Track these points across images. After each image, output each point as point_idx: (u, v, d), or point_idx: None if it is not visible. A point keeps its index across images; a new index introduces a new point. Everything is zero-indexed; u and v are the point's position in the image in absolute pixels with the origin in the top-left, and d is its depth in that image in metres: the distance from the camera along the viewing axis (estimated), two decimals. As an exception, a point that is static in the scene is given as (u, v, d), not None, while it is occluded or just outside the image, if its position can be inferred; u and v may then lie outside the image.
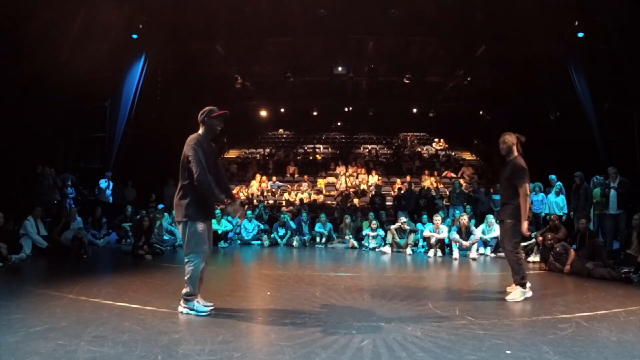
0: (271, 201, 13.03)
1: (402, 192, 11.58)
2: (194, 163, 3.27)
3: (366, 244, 8.78)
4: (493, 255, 7.84)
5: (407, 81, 13.34)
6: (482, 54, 11.63)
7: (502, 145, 4.45)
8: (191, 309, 3.38)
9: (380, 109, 17.46)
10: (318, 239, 9.31)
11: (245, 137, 19.11)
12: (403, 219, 8.42)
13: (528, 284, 4.15)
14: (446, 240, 7.94)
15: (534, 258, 7.06)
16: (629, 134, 9.19)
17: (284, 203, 12.46)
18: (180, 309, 3.42)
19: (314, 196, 13.01)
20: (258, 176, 14.38)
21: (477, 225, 8.16)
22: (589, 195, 7.92)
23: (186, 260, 3.41)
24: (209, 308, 3.46)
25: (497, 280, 5.83)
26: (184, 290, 3.41)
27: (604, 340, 2.89)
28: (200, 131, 3.54)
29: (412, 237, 8.26)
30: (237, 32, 10.65)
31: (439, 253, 7.80)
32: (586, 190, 7.95)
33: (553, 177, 8.93)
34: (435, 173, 14.85)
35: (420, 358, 2.54)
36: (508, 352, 2.63)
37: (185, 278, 3.40)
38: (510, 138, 4.42)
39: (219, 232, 8.72)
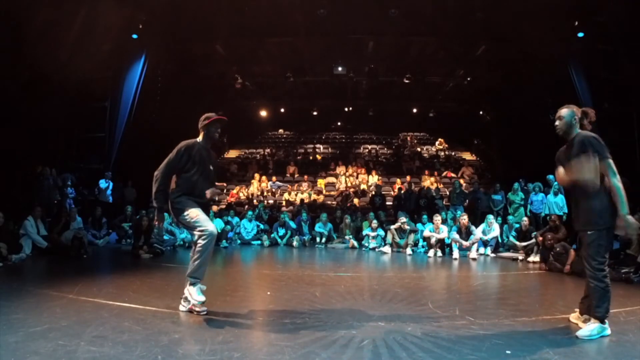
0: (271, 201, 13.03)
1: (402, 192, 11.59)
2: (164, 162, 3.42)
3: (366, 244, 8.78)
4: (493, 255, 7.85)
5: (407, 81, 13.36)
6: (482, 54, 11.64)
7: (559, 122, 3.17)
8: (190, 294, 3.34)
9: (380, 109, 17.48)
10: (318, 239, 9.31)
11: (245, 137, 19.13)
12: (403, 219, 8.42)
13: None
14: (446, 240, 7.94)
15: (534, 258, 7.06)
16: (629, 134, 9.20)
17: (284, 203, 12.47)
18: (181, 307, 3.41)
19: (314, 196, 13.01)
20: (257, 176, 14.38)
21: (476, 226, 8.16)
22: None
23: (197, 241, 3.38)
24: (204, 308, 3.41)
25: (497, 280, 5.83)
26: (189, 270, 3.38)
27: (604, 340, 2.88)
28: (199, 137, 3.61)
29: (412, 237, 8.27)
30: (237, 32, 10.66)
31: (439, 253, 7.80)
32: None
33: (551, 177, 8.94)
34: (435, 173, 14.86)
35: (420, 358, 2.54)
36: (508, 352, 2.63)
37: (193, 259, 3.37)
38: (568, 111, 3.15)
39: (218, 230, 8.72)
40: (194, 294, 3.34)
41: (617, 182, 2.89)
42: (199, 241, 3.38)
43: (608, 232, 2.95)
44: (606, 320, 2.96)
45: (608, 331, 2.96)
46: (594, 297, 2.95)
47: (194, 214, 3.39)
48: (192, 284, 3.38)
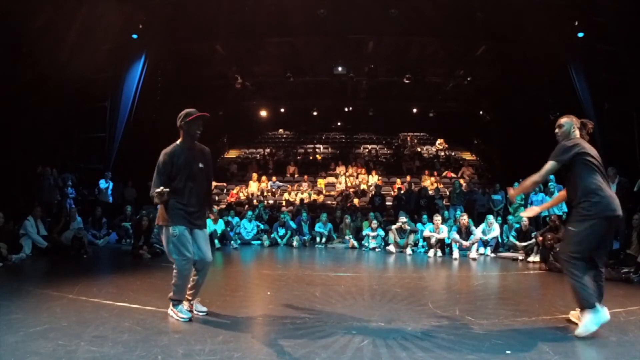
0: (271, 201, 13.02)
1: (402, 192, 11.59)
2: (154, 176, 3.24)
3: (366, 244, 8.78)
4: (493, 255, 7.84)
5: (407, 81, 13.36)
6: (482, 54, 11.63)
7: (557, 130, 3.34)
8: (175, 313, 3.27)
9: (380, 109, 17.48)
10: (318, 239, 9.31)
11: (245, 137, 19.13)
12: (404, 219, 8.42)
13: (599, 305, 2.95)
14: (446, 240, 7.94)
15: (534, 258, 7.06)
16: (629, 134, 9.19)
17: (284, 203, 12.47)
18: (169, 310, 3.33)
19: (314, 196, 13.01)
20: (256, 175, 14.37)
21: (476, 226, 8.16)
22: None
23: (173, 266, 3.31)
24: (202, 313, 3.37)
25: (497, 280, 5.83)
26: (169, 294, 3.32)
27: (604, 340, 2.88)
28: (179, 139, 3.37)
29: (412, 237, 8.27)
30: (237, 32, 10.66)
31: (439, 253, 7.80)
32: None
33: (551, 177, 8.94)
34: (435, 173, 14.86)
35: (420, 358, 2.54)
36: (508, 352, 2.63)
37: (172, 282, 3.30)
38: (567, 120, 3.31)
39: (218, 231, 8.73)
40: (179, 314, 3.24)
41: (534, 175, 3.22)
42: (174, 265, 3.27)
43: (584, 229, 3.03)
44: (596, 305, 2.93)
45: (603, 314, 2.93)
46: (573, 292, 3.05)
47: (172, 239, 3.21)
48: (174, 305, 3.29)
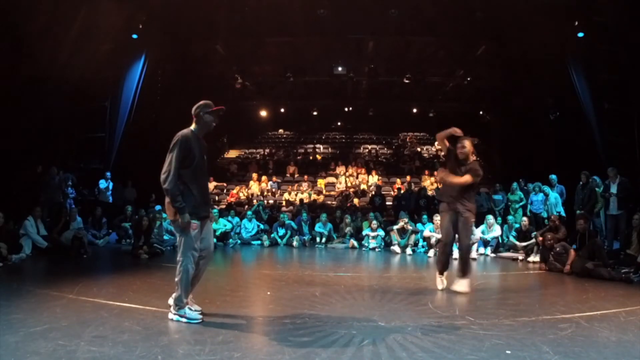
0: (271, 201, 13.02)
1: (402, 192, 11.58)
2: (168, 162, 3.14)
3: (366, 244, 8.78)
4: (493, 255, 7.84)
5: (407, 81, 13.36)
6: (482, 54, 11.63)
7: (466, 150, 4.82)
8: (182, 316, 3.17)
9: (380, 109, 17.48)
10: (318, 239, 9.31)
11: (245, 137, 19.13)
12: (405, 219, 8.42)
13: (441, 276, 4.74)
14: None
15: (534, 258, 7.06)
16: (629, 134, 9.19)
17: (284, 203, 12.47)
18: (171, 315, 3.23)
19: (314, 196, 13.01)
20: (256, 175, 14.36)
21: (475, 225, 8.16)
22: (592, 194, 7.92)
23: (178, 259, 3.26)
24: (200, 315, 3.28)
25: (497, 280, 5.83)
26: (174, 295, 3.22)
27: (604, 340, 2.89)
28: (193, 126, 3.32)
29: (412, 237, 8.27)
30: (237, 32, 10.66)
31: (439, 253, 7.79)
32: (590, 190, 7.95)
33: (553, 177, 8.98)
34: (435, 173, 14.84)
35: (420, 358, 2.54)
36: (508, 352, 2.63)
37: (176, 279, 3.24)
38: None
39: (217, 232, 8.72)
40: (188, 316, 3.17)
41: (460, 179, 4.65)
42: (183, 262, 3.20)
43: None
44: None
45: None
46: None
47: (194, 227, 3.20)
48: (179, 309, 3.19)
